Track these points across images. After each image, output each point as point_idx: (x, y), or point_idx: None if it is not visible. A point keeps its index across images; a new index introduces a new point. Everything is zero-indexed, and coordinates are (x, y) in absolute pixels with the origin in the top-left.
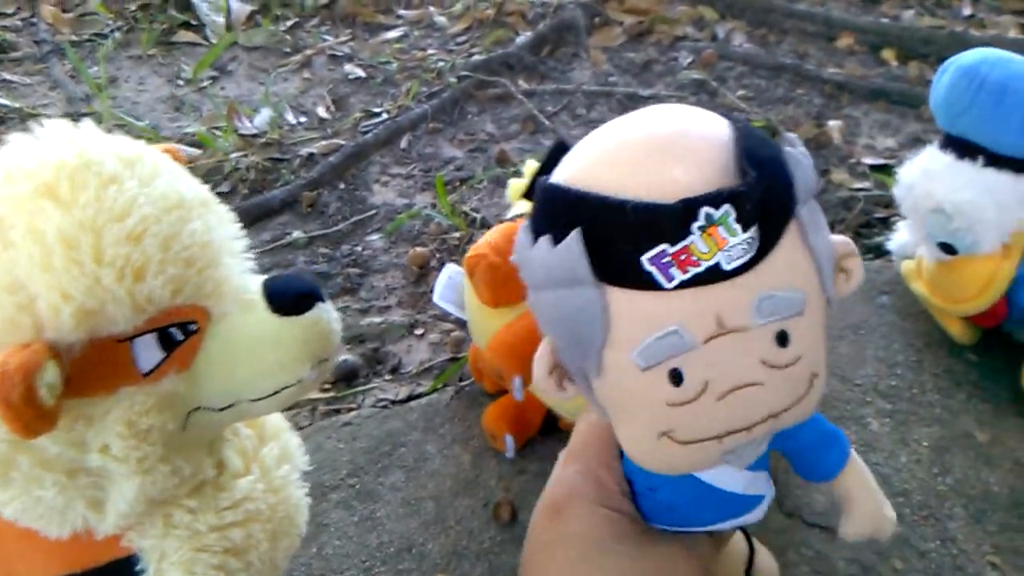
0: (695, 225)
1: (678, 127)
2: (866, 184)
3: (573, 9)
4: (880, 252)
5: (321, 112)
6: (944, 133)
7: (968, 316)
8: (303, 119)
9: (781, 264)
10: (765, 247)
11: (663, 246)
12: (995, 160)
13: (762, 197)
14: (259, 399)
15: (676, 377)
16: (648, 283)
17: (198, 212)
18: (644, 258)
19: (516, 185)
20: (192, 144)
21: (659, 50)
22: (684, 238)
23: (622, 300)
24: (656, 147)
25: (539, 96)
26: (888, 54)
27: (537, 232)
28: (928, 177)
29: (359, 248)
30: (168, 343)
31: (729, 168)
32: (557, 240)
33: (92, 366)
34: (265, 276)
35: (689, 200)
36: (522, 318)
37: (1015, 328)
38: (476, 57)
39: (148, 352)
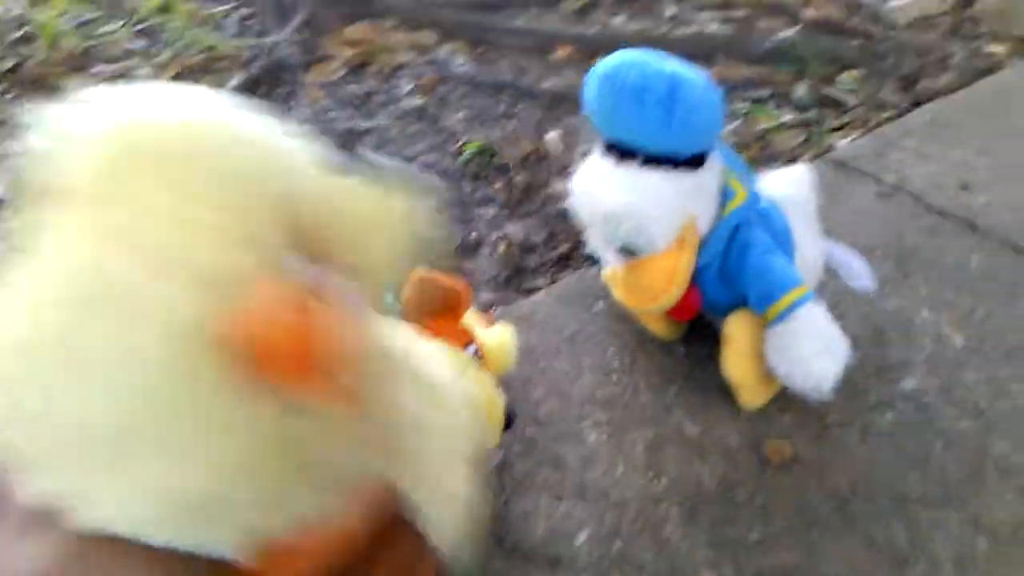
0: None
1: None
2: None
3: (287, 46)
4: (596, 259)
5: None
6: (602, 138)
7: (666, 312)
8: None
9: None
10: None
11: None
12: (650, 160)
13: None
14: None
15: None
16: None
17: None
18: None
19: None
20: None
21: (380, 80)
22: None
23: None
24: None
25: None
26: None
27: None
28: (595, 185)
29: None
30: None
31: None
32: None
33: None
34: None
35: None
36: None
37: (714, 317)
38: None
39: None
